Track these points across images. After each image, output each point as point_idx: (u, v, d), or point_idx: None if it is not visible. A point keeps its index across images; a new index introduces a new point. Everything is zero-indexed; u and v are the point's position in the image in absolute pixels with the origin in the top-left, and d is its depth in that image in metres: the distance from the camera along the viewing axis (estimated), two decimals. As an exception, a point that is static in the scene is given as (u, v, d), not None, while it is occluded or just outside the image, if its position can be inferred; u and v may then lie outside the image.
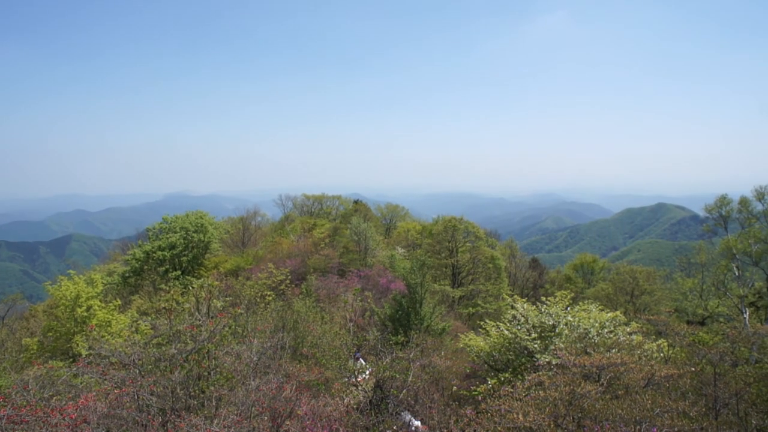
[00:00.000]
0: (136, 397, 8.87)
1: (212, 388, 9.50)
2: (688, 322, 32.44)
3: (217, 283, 24.78)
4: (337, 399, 12.05)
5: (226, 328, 10.91)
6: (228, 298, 22.64)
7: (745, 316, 29.92)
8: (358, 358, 18.07)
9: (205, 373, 9.86)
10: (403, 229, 51.01)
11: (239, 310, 15.69)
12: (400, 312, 22.28)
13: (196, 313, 11.96)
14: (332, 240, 43.28)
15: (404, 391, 13.65)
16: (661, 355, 14.20)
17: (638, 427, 7.80)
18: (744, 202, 33.05)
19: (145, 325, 19.35)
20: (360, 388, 14.04)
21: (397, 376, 13.39)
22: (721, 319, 34.16)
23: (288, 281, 28.69)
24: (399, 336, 19.51)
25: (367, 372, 14.74)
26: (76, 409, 8.15)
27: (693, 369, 11.50)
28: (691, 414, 8.81)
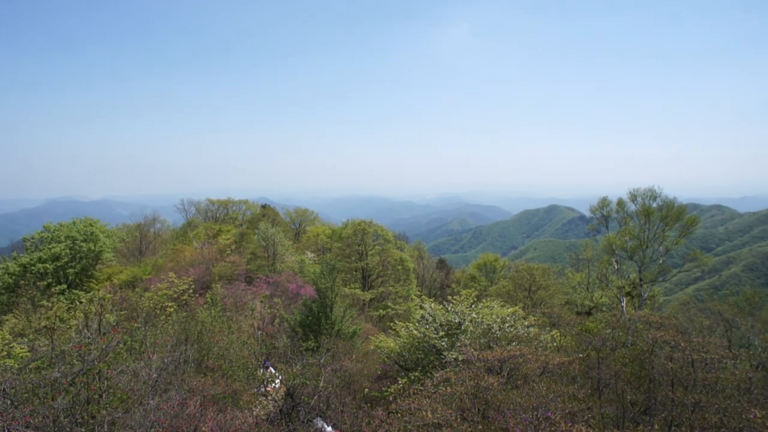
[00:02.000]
0: (7, 431, 7.85)
1: (104, 411, 8.67)
2: (578, 313, 35.59)
3: (109, 296, 22.86)
4: (246, 411, 11.61)
5: (121, 345, 10.05)
6: (123, 312, 20.98)
7: (622, 304, 33.39)
8: (267, 367, 17.56)
9: (96, 396, 8.98)
10: (312, 234, 50.54)
11: (136, 324, 14.56)
12: (310, 317, 21.99)
13: (85, 330, 10.89)
14: (239, 246, 41.79)
15: (316, 397, 13.48)
16: (555, 344, 15.39)
17: (535, 413, 8.36)
18: (621, 203, 36.97)
19: (21, 348, 17.23)
20: (270, 397, 13.65)
21: (308, 382, 13.19)
22: (604, 308, 37.84)
23: (191, 291, 27.25)
24: (310, 342, 19.29)
25: (278, 381, 14.37)
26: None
27: (581, 355, 12.61)
28: (579, 396, 9.63)
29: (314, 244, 48.18)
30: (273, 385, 14.10)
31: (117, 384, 9.53)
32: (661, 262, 35.36)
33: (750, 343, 20.70)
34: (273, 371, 16.28)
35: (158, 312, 22.71)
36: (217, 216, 61.21)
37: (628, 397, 10.84)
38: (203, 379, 12.04)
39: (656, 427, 9.63)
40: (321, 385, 13.64)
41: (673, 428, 9.30)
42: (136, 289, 28.39)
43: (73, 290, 35.15)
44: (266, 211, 58.80)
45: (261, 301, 25.13)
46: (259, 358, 15.56)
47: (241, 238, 43.38)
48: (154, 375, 10.55)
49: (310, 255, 43.25)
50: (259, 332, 20.69)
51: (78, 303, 23.93)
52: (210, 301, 23.88)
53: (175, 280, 27.38)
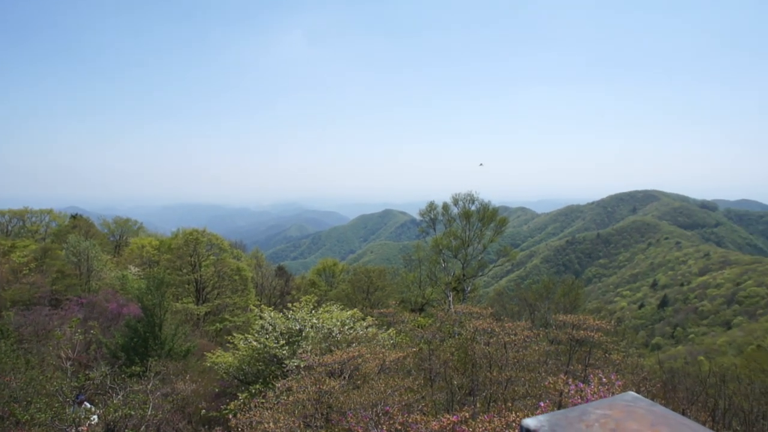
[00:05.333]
0: None
1: None
2: (412, 310, 38.12)
3: None
4: (52, 458, 9.91)
5: None
6: None
7: (450, 299, 36.78)
8: (81, 402, 15.29)
9: None
10: (136, 246, 45.59)
11: None
12: (135, 339, 19.82)
13: None
14: (41, 264, 35.70)
15: (143, 427, 12.16)
16: (391, 341, 16.25)
17: (375, 409, 8.71)
18: (446, 206, 40.80)
19: None
20: (85, 437, 11.87)
21: (134, 412, 11.81)
22: (435, 304, 41.20)
23: (-29, 322, 22.37)
24: (135, 366, 17.38)
25: (95, 417, 12.58)
26: None
27: (414, 349, 13.53)
28: (414, 387, 10.32)
29: (139, 257, 43.56)
30: (88, 422, 12.31)
31: None
32: (480, 258, 39.89)
33: (547, 323, 24.55)
34: (89, 406, 14.24)
35: None
36: (9, 229, 51.54)
37: (456, 382, 11.97)
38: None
39: (478, 405, 10.81)
40: (149, 413, 12.34)
41: (491, 404, 10.51)
42: None
43: None
44: (77, 222, 51.40)
45: (71, 327, 21.75)
46: (69, 393, 13.41)
47: (44, 254, 37.09)
48: None
49: (133, 269, 39.10)
50: (69, 363, 17.87)
51: None
52: None
53: (-52, 311, 22.25)
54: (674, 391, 13.28)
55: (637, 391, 9.61)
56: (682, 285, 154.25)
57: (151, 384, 13.42)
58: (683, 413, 11.03)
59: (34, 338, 21.17)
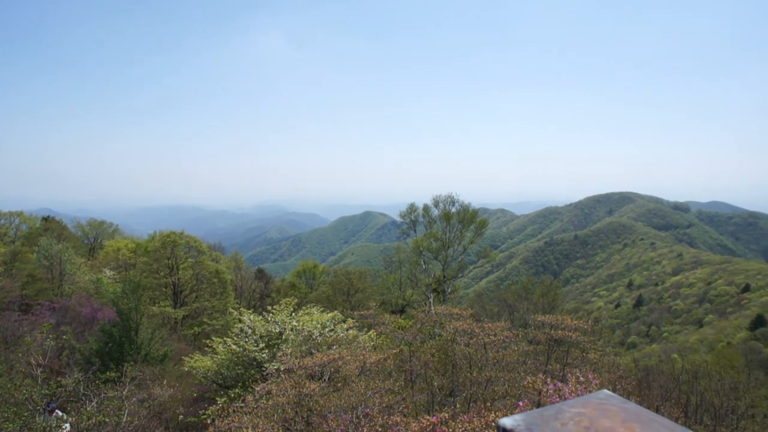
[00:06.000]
0: None
1: None
2: (392, 312, 38.14)
3: None
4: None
5: None
6: None
7: (430, 300, 36.93)
8: (53, 410, 14.87)
9: None
10: (112, 249, 44.66)
11: None
12: (110, 344, 19.40)
13: None
14: (10, 268, 34.66)
15: (118, 435, 11.86)
16: (372, 343, 16.22)
17: (355, 411, 8.68)
18: (426, 208, 40.98)
19: None
20: (56, 446, 11.54)
21: (108, 419, 11.53)
22: (415, 305, 41.32)
23: (-64, 329, 21.59)
24: (110, 372, 17.01)
25: (67, 425, 12.26)
26: None
27: (395, 351, 13.53)
28: (395, 389, 10.31)
29: (114, 260, 42.69)
30: (60, 431, 11.98)
31: None
32: (460, 259, 40.14)
33: (526, 323, 24.81)
34: (60, 414, 13.86)
35: None
36: (-22, 232, 49.94)
37: (436, 383, 12.00)
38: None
39: (459, 406, 10.86)
40: (125, 419, 12.07)
41: (471, 404, 10.57)
42: None
43: None
44: (49, 225, 50.13)
45: (42, 332, 21.16)
46: (39, 401, 13.03)
47: (14, 258, 36.03)
48: None
49: (109, 273, 38.30)
50: (40, 370, 17.37)
51: None
52: (-34, 339, 19.25)
53: None
54: (649, 388, 13.57)
55: (614, 389, 9.80)
56: (656, 285, 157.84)
57: (126, 390, 13.14)
58: (657, 410, 11.28)
59: (2, 345, 20.52)
